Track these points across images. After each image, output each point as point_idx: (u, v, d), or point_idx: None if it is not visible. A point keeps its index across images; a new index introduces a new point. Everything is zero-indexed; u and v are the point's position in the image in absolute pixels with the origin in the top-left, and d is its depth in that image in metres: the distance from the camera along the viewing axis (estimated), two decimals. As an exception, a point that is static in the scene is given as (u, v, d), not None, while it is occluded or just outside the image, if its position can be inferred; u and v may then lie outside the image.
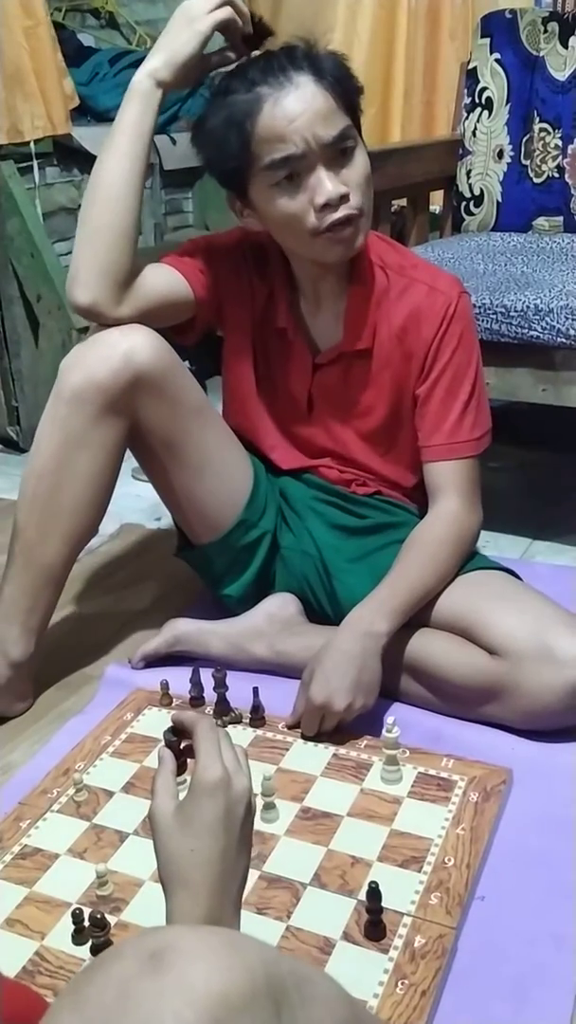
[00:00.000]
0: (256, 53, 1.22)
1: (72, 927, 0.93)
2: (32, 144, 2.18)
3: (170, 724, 0.80)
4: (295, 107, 1.14)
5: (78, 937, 0.93)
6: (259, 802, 1.08)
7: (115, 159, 1.21)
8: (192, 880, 0.69)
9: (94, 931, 0.88)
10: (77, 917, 0.93)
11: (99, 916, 0.88)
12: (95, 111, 2.43)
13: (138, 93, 1.20)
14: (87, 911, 0.92)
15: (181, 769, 0.77)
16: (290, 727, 1.23)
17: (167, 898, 0.70)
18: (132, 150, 1.21)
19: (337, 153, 1.16)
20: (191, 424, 1.31)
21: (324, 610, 1.37)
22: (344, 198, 1.17)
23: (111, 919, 0.92)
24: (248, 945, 0.51)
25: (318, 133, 1.14)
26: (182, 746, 0.78)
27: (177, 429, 1.30)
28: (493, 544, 1.69)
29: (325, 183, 1.16)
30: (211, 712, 1.26)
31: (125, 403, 1.24)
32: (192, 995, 0.46)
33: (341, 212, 1.18)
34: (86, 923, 0.91)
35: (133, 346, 1.23)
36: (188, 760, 0.77)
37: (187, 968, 0.47)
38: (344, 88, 1.17)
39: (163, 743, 0.79)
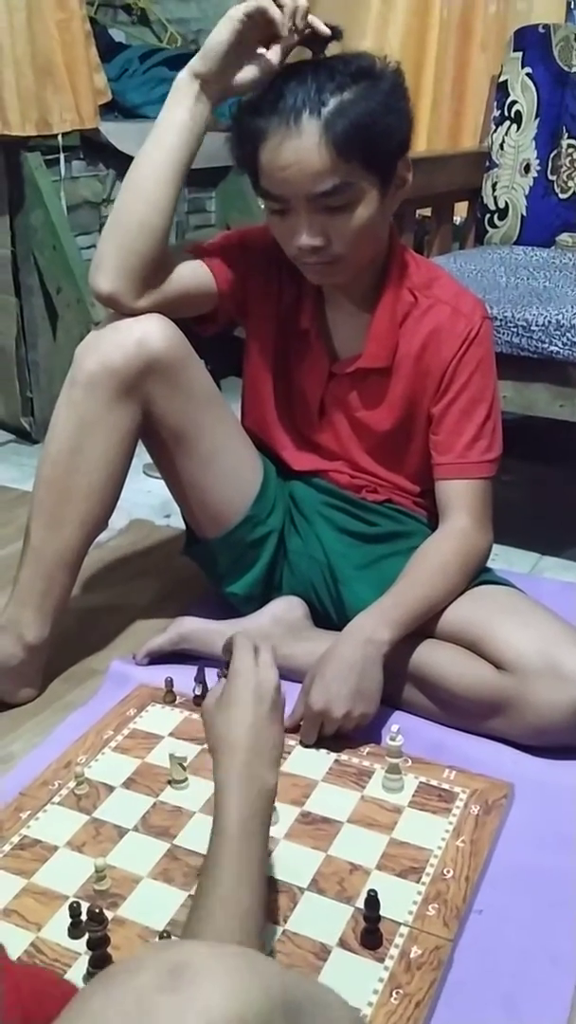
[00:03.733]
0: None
1: (69, 920, 0.93)
2: (60, 137, 2.18)
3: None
4: (287, 158, 1.13)
5: (74, 931, 0.92)
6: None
7: (151, 153, 1.21)
8: (229, 739, 0.85)
9: (92, 925, 0.87)
10: (74, 910, 0.93)
11: (98, 911, 0.87)
12: (123, 107, 2.43)
13: (176, 89, 1.20)
14: (85, 905, 0.92)
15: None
16: (287, 730, 1.22)
17: (215, 765, 0.85)
18: (168, 145, 1.20)
19: (324, 205, 1.15)
20: (202, 414, 1.31)
21: (330, 616, 1.37)
22: (317, 249, 1.18)
23: (107, 914, 0.92)
24: (266, 966, 0.52)
25: (304, 188, 1.14)
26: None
27: (188, 418, 1.30)
28: (503, 557, 1.69)
29: (301, 232, 1.17)
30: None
31: (138, 389, 1.25)
32: (211, 1015, 0.46)
33: (313, 258, 1.20)
34: (83, 917, 0.91)
35: (147, 333, 1.24)
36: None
37: (206, 987, 0.47)
38: (360, 142, 1.11)
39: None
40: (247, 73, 1.18)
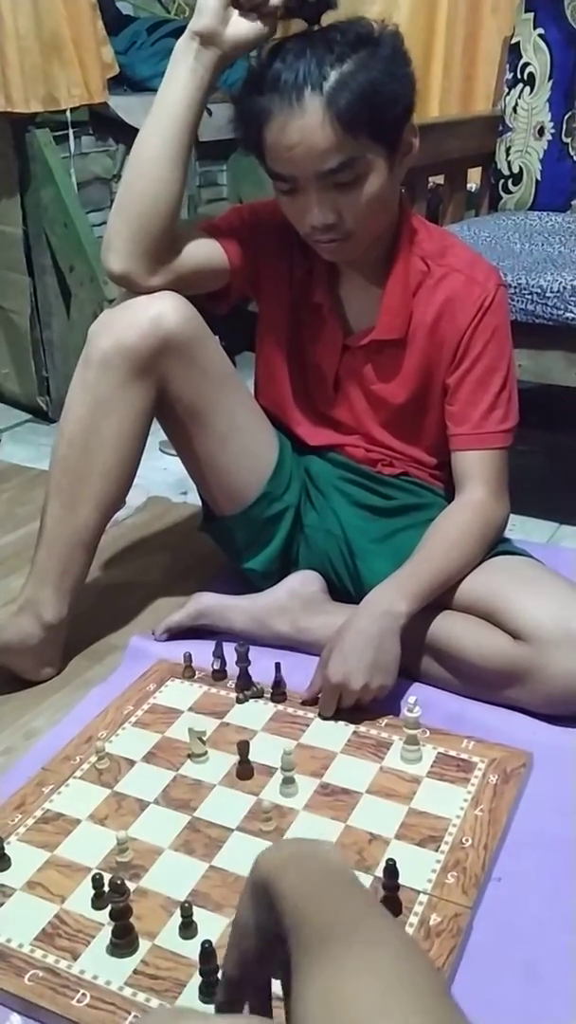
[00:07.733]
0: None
1: (92, 891, 0.95)
2: (68, 112, 2.17)
3: None
4: (292, 137, 1.11)
5: (97, 902, 0.94)
6: (279, 776, 1.09)
7: (155, 124, 1.19)
8: None
9: (113, 896, 0.89)
10: (97, 882, 0.94)
11: (119, 882, 0.89)
12: (132, 80, 2.41)
13: (175, 54, 1.17)
14: (107, 876, 0.94)
15: None
16: (305, 703, 1.24)
17: None
18: (172, 114, 1.18)
19: (333, 182, 1.14)
20: (217, 392, 1.31)
21: (347, 589, 1.37)
22: (330, 227, 1.17)
23: (130, 885, 0.93)
24: None
25: (312, 166, 1.13)
26: None
27: (203, 396, 1.30)
28: (520, 527, 1.68)
29: (312, 209, 1.17)
30: (233, 686, 1.27)
31: (153, 368, 1.25)
32: None
33: (325, 236, 1.19)
34: (106, 888, 0.92)
35: (162, 311, 1.23)
36: None
37: None
38: (365, 114, 1.10)
39: None
40: (243, 29, 1.15)
